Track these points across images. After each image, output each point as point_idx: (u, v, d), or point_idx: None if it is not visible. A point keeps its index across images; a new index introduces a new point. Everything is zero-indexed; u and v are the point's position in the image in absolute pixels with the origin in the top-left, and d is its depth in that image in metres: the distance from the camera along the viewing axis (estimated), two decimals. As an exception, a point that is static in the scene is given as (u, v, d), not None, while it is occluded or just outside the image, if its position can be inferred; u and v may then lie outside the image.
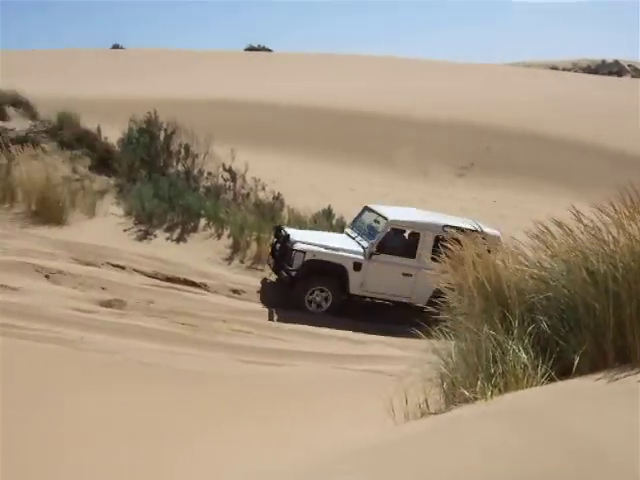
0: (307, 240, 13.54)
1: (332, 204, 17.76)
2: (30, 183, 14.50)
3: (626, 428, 3.81)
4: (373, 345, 12.01)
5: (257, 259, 14.84)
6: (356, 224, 14.81)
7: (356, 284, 13.47)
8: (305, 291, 13.25)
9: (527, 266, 5.94)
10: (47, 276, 11.86)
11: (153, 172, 17.15)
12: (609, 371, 4.82)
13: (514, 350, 5.29)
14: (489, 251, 12.56)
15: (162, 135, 17.97)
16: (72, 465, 6.05)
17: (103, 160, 18.08)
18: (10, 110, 19.92)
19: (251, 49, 78.75)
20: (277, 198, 17.81)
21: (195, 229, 15.38)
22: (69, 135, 18.60)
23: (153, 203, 15.26)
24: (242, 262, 14.71)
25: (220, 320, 11.79)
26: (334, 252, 13.41)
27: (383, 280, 13.53)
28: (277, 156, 29.33)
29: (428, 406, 5.79)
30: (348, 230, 14.83)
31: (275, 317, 12.57)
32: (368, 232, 14.03)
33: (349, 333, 12.32)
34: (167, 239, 14.84)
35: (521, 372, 5.12)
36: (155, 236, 14.78)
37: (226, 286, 13.21)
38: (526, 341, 5.32)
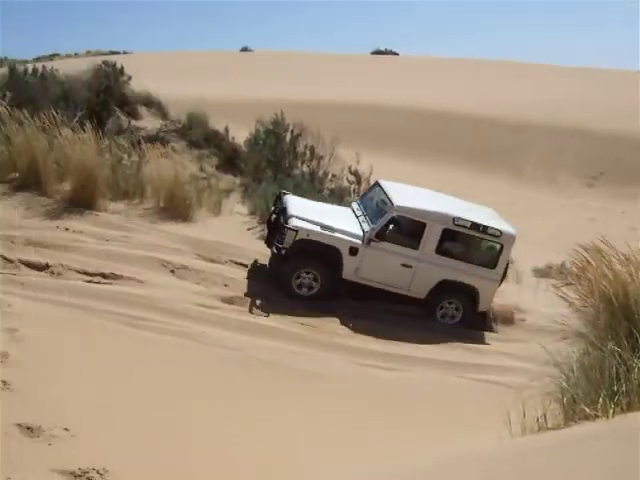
0: (305, 216, 12.67)
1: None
2: (159, 180, 14.83)
3: None
4: (491, 355, 11.75)
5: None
6: (364, 200, 13.95)
7: (350, 269, 12.57)
8: (293, 272, 12.43)
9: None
10: (172, 271, 12.10)
11: (278, 173, 17.30)
12: None
13: (639, 368, 5.05)
14: (501, 249, 12.59)
15: (288, 137, 18.11)
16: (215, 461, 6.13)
17: (230, 160, 18.40)
18: (143, 110, 20.55)
19: (378, 52, 78.68)
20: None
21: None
22: (198, 135, 19.03)
23: (278, 203, 15.36)
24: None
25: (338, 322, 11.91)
26: (330, 233, 12.51)
27: (380, 268, 12.61)
28: (403, 161, 29.15)
29: (546, 420, 5.59)
30: (355, 205, 13.95)
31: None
32: (374, 212, 13.04)
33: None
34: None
35: (645, 392, 4.87)
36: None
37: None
38: (653, 360, 5.07)
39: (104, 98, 19.11)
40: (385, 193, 13.08)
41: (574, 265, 7.12)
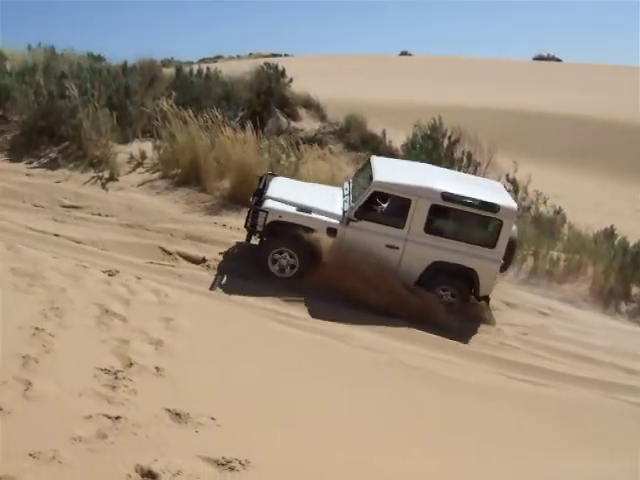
0: (282, 197, 11.94)
1: (616, 225, 16.67)
2: (316, 181, 14.94)
3: None
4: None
5: (532, 273, 14.23)
6: (355, 178, 12.89)
7: (330, 253, 11.57)
8: (267, 254, 11.65)
9: None
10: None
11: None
12: None
13: None
14: (500, 226, 11.30)
15: (445, 142, 17.91)
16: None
17: (387, 163, 18.36)
18: (302, 111, 20.82)
19: (540, 58, 76.86)
20: (558, 213, 17.13)
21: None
22: (355, 137, 19.11)
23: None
24: (516, 276, 14.20)
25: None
26: (306, 214, 11.67)
27: (362, 251, 11.47)
28: (561, 170, 28.31)
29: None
30: (346, 184, 12.91)
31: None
32: (359, 191, 11.93)
33: (622, 360, 11.58)
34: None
35: None
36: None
37: (499, 299, 12.80)
38: None
39: (265, 99, 19.48)
40: (372, 169, 12.09)
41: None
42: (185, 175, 15.09)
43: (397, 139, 19.09)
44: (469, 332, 11.50)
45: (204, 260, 11.74)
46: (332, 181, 14.58)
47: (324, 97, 21.53)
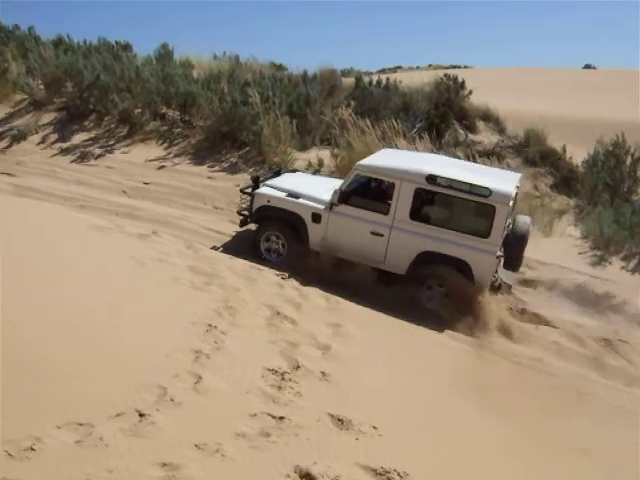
0: (278, 184, 11.90)
1: None
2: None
3: None
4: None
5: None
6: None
7: (316, 239, 11.27)
8: (259, 237, 11.59)
9: None
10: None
11: (616, 197, 16.46)
12: None
13: None
14: (492, 212, 10.11)
15: (629, 160, 17.18)
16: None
17: (565, 180, 17.84)
18: (480, 124, 20.54)
19: None
20: None
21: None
22: (534, 152, 18.66)
23: (612, 229, 14.57)
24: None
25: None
26: (292, 199, 11.40)
27: (347, 237, 11.02)
28: None
29: None
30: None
31: None
32: None
33: None
34: (622, 268, 14.06)
35: None
36: (610, 263, 14.06)
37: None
38: None
39: (443, 111, 19.35)
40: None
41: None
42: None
43: (578, 155, 18.47)
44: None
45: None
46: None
47: (504, 110, 21.15)
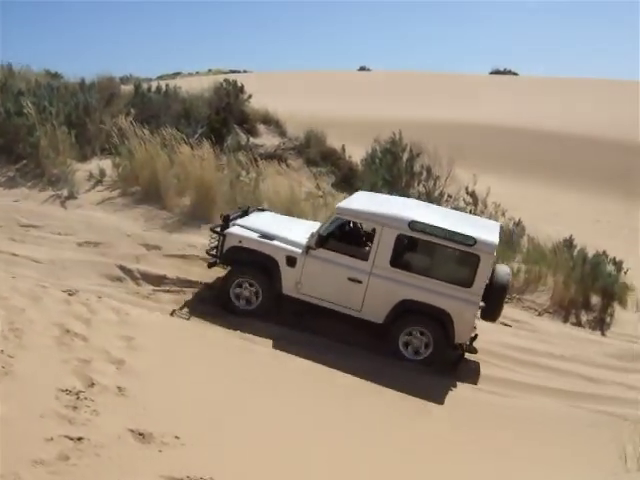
0: (249, 224, 11.29)
1: (574, 234, 16.80)
2: (276, 197, 14.93)
3: None
4: (610, 385, 11.24)
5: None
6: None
7: (290, 283, 10.75)
8: (229, 283, 10.95)
9: None
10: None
11: (394, 192, 17.18)
12: None
13: None
14: (476, 262, 10.10)
15: (405, 156, 17.99)
16: None
17: (346, 178, 18.41)
18: (261, 127, 20.83)
19: (496, 72, 77.78)
20: (518, 225, 17.29)
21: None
22: (315, 153, 19.14)
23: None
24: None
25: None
26: (265, 240, 10.87)
27: (322, 283, 10.62)
28: (519, 182, 28.64)
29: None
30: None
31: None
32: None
33: (583, 368, 11.68)
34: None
35: None
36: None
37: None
38: None
39: (224, 116, 19.44)
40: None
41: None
42: (145, 192, 15.05)
43: (357, 154, 19.15)
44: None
45: (165, 278, 11.66)
46: (291, 196, 14.62)
47: (283, 113, 21.58)
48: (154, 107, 19.20)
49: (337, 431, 7.37)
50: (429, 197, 17.07)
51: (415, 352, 10.57)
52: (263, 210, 12.87)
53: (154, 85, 21.99)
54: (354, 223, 11.30)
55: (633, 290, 14.46)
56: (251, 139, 19.59)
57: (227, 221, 11.40)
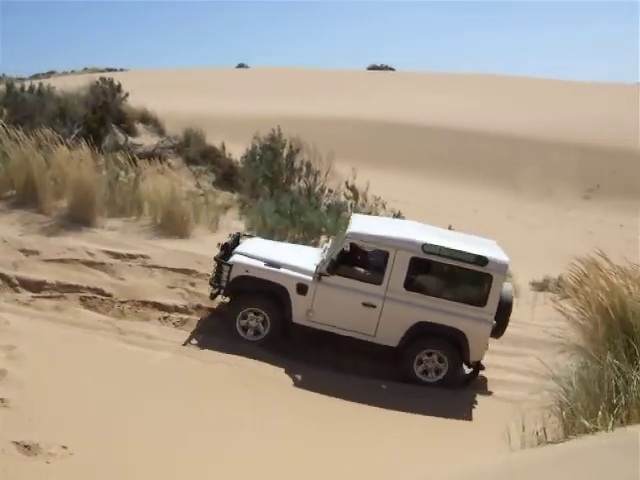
0: (251, 252, 11.02)
1: (454, 225, 17.23)
2: (156, 197, 14.80)
3: None
4: (490, 368, 11.61)
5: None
6: (335, 236, 12.24)
7: (301, 311, 10.54)
8: (235, 314, 10.65)
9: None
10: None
11: (275, 188, 17.31)
12: None
13: (638, 380, 5.06)
14: (489, 281, 10.18)
15: (285, 152, 18.14)
16: None
17: (227, 176, 18.45)
18: (139, 126, 20.59)
19: (374, 68, 79.00)
20: (397, 216, 17.66)
21: (316, 246, 15.32)
22: (195, 151, 19.09)
23: (274, 219, 15.32)
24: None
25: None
26: (273, 269, 10.64)
27: (336, 309, 10.48)
28: (399, 175, 29.26)
29: (546, 434, 5.57)
30: (326, 244, 12.03)
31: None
32: (335, 246, 11.08)
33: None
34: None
35: (645, 404, 4.89)
36: (276, 252, 14.79)
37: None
38: (652, 372, 5.09)
39: (101, 115, 19.15)
40: (350, 223, 11.24)
41: (571, 278, 7.08)
42: (21, 196, 14.67)
43: (237, 151, 19.18)
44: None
45: (44, 284, 11.40)
46: (172, 196, 14.53)
47: (162, 111, 21.39)
48: (28, 107, 18.72)
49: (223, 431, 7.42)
50: (310, 193, 17.27)
51: (431, 373, 10.52)
52: (251, 237, 12.59)
53: (27, 84, 21.43)
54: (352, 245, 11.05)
55: (510, 276, 14.99)
56: (129, 138, 19.38)
57: (228, 250, 11.17)
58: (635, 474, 3.69)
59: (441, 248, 10.20)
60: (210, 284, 11.16)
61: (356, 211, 16.07)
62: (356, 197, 17.65)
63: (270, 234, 15.06)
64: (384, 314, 10.35)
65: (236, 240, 11.82)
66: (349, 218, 12.03)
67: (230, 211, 16.60)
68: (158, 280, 12.03)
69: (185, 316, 11.09)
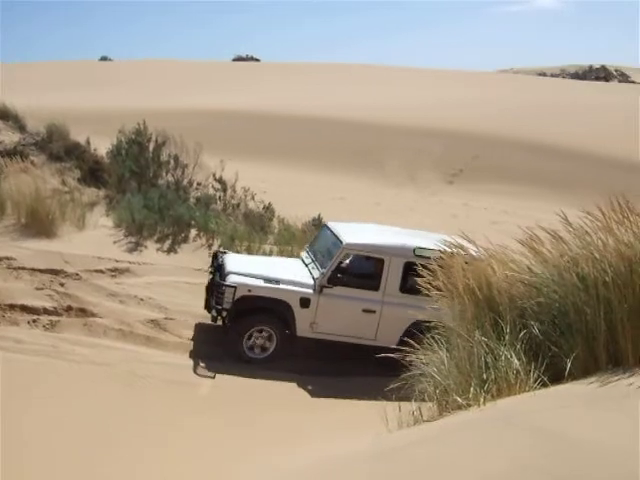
0: (244, 270, 11.08)
1: (322, 213, 17.52)
2: (19, 196, 14.39)
3: (619, 431, 3.82)
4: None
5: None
6: (314, 246, 12.23)
7: (305, 324, 10.82)
8: (241, 335, 10.72)
9: (517, 272, 5.96)
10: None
11: (143, 183, 17.09)
12: (601, 375, 4.84)
13: (506, 356, 5.32)
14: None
15: (151, 146, 17.91)
16: None
17: (93, 172, 18.03)
18: (-1, 123, 19.92)
19: (239, 59, 78.87)
20: (267, 208, 17.78)
21: (186, 240, 15.26)
22: (58, 147, 18.58)
23: (143, 214, 15.18)
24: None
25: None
26: (275, 285, 10.85)
27: (338, 319, 10.83)
28: (267, 166, 29.26)
29: (422, 414, 5.79)
30: (304, 254, 12.18)
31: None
32: (324, 257, 11.33)
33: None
34: (158, 250, 14.72)
35: (513, 378, 5.14)
36: (146, 247, 14.65)
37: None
38: (518, 347, 5.35)
39: (-46, 112, 18.46)
40: (334, 234, 11.47)
41: (437, 260, 7.34)
42: None
43: (103, 146, 18.78)
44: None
45: None
46: (36, 195, 14.18)
47: (21, 107, 20.71)
48: None
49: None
50: (178, 186, 17.18)
51: None
52: (225, 252, 12.42)
53: None
54: (361, 257, 11.34)
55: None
56: (-12, 136, 18.71)
57: (222, 271, 11.16)
58: (504, 445, 3.92)
59: (431, 251, 9.99)
60: (206, 308, 11.44)
61: (226, 202, 16.15)
62: (225, 189, 17.64)
63: (139, 229, 14.95)
64: (383, 318, 10.83)
65: (215, 258, 12.05)
66: (325, 227, 12.32)
67: (97, 207, 16.30)
68: (25, 282, 11.74)
69: (55, 318, 10.78)
